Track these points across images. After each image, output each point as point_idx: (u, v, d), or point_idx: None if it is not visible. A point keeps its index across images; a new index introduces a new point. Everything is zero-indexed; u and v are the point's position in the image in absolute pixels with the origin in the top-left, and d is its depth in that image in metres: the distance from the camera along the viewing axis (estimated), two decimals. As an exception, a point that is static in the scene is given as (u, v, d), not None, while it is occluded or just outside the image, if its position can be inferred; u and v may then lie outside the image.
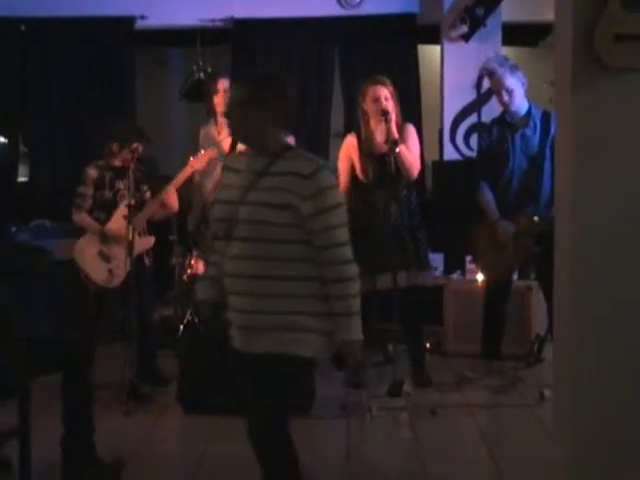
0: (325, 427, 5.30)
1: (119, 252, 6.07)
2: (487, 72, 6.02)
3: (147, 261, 6.30)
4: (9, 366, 4.01)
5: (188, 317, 7.25)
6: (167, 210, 6.35)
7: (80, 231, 6.27)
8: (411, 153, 5.92)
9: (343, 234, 3.44)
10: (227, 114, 3.49)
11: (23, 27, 8.92)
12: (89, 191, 6.16)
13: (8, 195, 8.71)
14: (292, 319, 3.38)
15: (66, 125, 9.03)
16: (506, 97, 5.92)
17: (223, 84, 6.60)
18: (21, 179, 9.54)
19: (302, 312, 3.38)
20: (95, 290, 6.15)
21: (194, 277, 7.32)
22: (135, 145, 6.05)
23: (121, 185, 6.22)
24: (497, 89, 6.00)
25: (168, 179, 7.98)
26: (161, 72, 11.27)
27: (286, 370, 3.44)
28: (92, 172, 6.18)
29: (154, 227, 6.53)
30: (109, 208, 6.19)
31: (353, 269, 3.42)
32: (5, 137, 9.47)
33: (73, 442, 4.28)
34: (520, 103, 5.95)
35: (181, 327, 7.22)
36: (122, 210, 6.06)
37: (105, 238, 6.12)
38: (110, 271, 6.12)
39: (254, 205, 3.32)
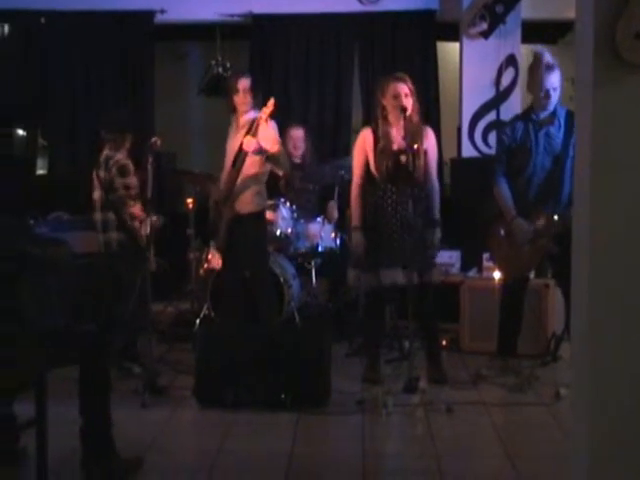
0: (341, 423, 5.30)
1: None
2: (548, 66, 5.87)
3: None
4: (26, 358, 4.03)
5: (205, 311, 7.27)
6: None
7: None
8: (429, 158, 5.97)
9: None
10: None
11: (43, 20, 8.95)
12: (134, 181, 6.20)
13: (27, 188, 8.75)
14: None
15: (85, 118, 9.07)
16: (551, 94, 5.85)
17: (243, 84, 6.57)
18: (40, 172, 9.59)
19: None
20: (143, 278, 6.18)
21: (211, 271, 7.34)
22: (154, 140, 6.05)
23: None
24: (544, 85, 5.84)
25: (186, 173, 8.03)
26: (180, 66, 11.31)
27: None
28: (129, 161, 6.22)
29: (172, 221, 6.55)
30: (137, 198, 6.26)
31: None
32: (24, 130, 9.52)
33: (91, 434, 4.29)
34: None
35: (197, 321, 7.25)
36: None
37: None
38: None
39: None
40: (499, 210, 6.04)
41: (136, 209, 6.20)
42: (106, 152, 6.30)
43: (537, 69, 5.92)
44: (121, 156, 6.26)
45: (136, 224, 6.17)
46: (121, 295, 6.20)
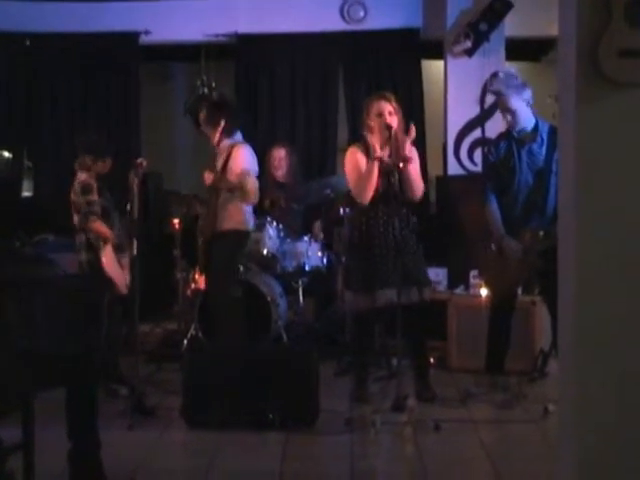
0: (329, 442, 5.29)
1: (125, 262, 6.17)
2: (493, 93, 6.03)
3: None
4: (13, 380, 4.01)
5: (192, 331, 7.26)
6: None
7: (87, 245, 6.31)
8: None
9: None
10: None
11: (28, 42, 8.97)
12: (96, 198, 6.20)
13: (12, 210, 8.73)
14: None
15: (70, 140, 9.04)
16: (509, 118, 5.95)
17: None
18: (25, 194, 9.57)
19: None
20: (110, 300, 6.16)
21: (197, 292, 7.33)
22: (140, 160, 6.05)
23: (108, 195, 6.33)
24: (502, 109, 6.05)
25: (173, 194, 8.03)
26: (166, 87, 11.32)
27: None
28: (92, 181, 6.24)
29: (159, 242, 6.54)
30: (106, 217, 6.23)
31: None
32: (10, 152, 9.50)
33: (79, 457, 4.27)
34: (526, 120, 5.96)
35: (185, 341, 7.23)
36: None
37: (114, 247, 6.16)
38: (126, 279, 6.17)
39: None
40: (487, 227, 6.06)
41: (98, 225, 6.18)
42: (77, 175, 6.35)
43: None
44: (84, 176, 6.28)
45: (101, 244, 6.18)
46: (93, 317, 6.17)
